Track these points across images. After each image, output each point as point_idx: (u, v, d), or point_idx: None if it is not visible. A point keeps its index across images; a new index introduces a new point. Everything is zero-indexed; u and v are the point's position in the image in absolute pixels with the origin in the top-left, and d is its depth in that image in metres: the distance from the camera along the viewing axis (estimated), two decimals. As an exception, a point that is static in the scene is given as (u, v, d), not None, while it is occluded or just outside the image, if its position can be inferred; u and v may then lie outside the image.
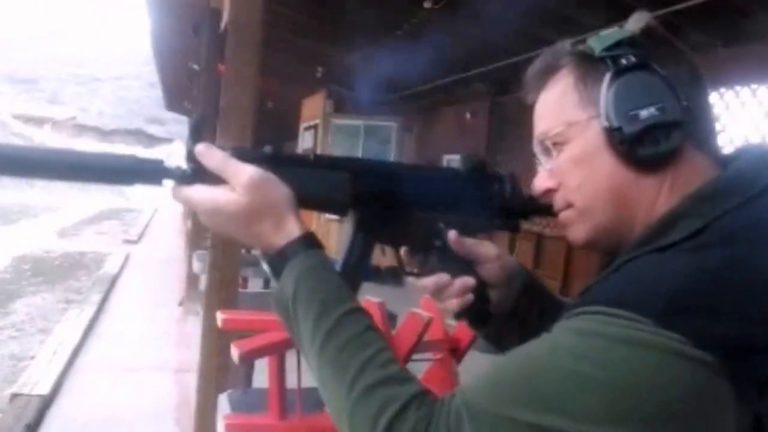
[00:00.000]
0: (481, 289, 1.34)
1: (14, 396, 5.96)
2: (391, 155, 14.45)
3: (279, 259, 1.13)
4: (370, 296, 3.42)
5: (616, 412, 0.84)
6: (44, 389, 6.16)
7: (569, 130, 1.12)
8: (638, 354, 0.85)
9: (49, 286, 12.41)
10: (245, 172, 1.10)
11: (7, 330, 9.18)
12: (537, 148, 1.21)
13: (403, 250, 1.36)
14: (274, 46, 10.84)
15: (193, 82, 15.70)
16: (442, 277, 1.31)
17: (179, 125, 52.64)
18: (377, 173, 1.27)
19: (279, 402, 3.53)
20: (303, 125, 16.91)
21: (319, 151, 14.78)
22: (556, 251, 9.08)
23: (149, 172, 1.11)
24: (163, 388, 6.66)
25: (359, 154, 14.68)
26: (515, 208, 1.39)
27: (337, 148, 14.89)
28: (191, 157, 1.13)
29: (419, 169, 1.36)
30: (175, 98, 24.27)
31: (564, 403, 0.86)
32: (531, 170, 1.23)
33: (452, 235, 1.32)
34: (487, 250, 1.36)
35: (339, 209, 1.26)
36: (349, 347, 1.03)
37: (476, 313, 1.36)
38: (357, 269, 1.25)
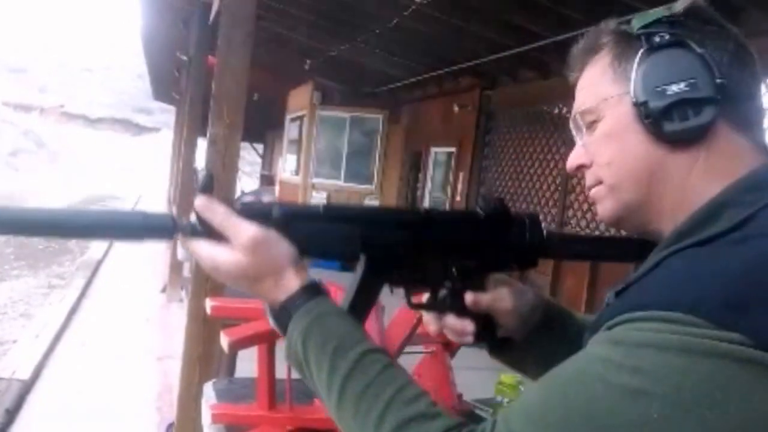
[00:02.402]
0: (489, 324, 1.33)
1: (-6, 380, 5.94)
2: (377, 147, 14.48)
3: (282, 315, 1.13)
4: None
5: (677, 427, 0.79)
6: (25, 374, 6.17)
7: (602, 106, 1.11)
8: (698, 364, 0.79)
9: (32, 270, 12.41)
10: (246, 233, 1.10)
11: (-10, 313, 9.14)
12: (574, 126, 1.19)
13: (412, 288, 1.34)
14: (262, 38, 10.85)
15: (181, 72, 15.69)
16: (445, 323, 1.32)
17: (166, 114, 52.38)
18: (388, 224, 1.24)
19: (268, 392, 3.51)
20: (289, 116, 16.91)
21: (304, 141, 14.88)
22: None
23: (159, 229, 1.12)
24: (145, 375, 6.67)
25: (344, 145, 14.78)
26: (533, 253, 1.34)
27: (322, 138, 14.93)
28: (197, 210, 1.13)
29: (434, 215, 1.31)
30: (163, 88, 24.14)
31: (617, 420, 0.81)
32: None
33: (469, 298, 1.29)
34: (504, 305, 1.33)
35: (350, 259, 1.24)
36: (370, 391, 1.00)
37: (490, 344, 1.35)
38: (363, 310, 1.23)
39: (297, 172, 15.45)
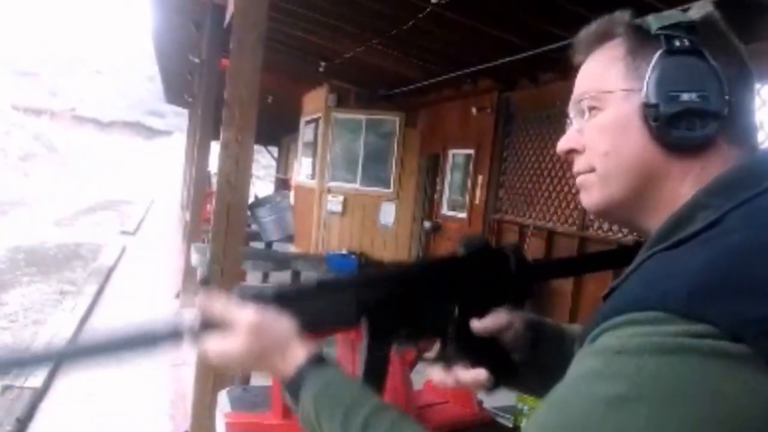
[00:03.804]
0: (504, 355, 1.38)
1: (5, 388, 5.90)
2: (394, 150, 14.40)
3: (293, 387, 1.19)
4: None
5: (661, 427, 0.81)
6: (36, 382, 6.09)
7: (608, 97, 1.12)
8: (671, 363, 0.82)
9: (44, 276, 12.33)
10: (245, 319, 1.17)
11: (1, 321, 9.10)
12: (572, 109, 1.20)
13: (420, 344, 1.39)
14: (276, 40, 10.80)
15: (193, 75, 15.70)
16: (445, 380, 1.37)
17: (178, 118, 52.64)
18: (380, 283, 1.30)
19: (282, 401, 3.46)
20: (304, 119, 16.84)
21: (320, 144, 14.81)
22: (568, 248, 8.94)
23: (167, 338, 1.18)
24: (158, 382, 6.61)
25: (360, 148, 14.69)
26: (527, 279, 1.41)
27: (338, 141, 14.84)
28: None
29: (420, 266, 1.42)
30: (175, 91, 24.27)
31: (610, 430, 0.84)
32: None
33: (475, 325, 1.35)
34: (501, 321, 1.38)
35: (349, 324, 1.30)
36: None
37: (503, 378, 1.37)
38: (378, 376, 1.28)
39: (312, 176, 15.35)
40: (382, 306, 1.28)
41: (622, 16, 1.16)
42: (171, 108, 44.12)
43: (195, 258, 9.47)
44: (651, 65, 1.07)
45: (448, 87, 12.18)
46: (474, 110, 11.46)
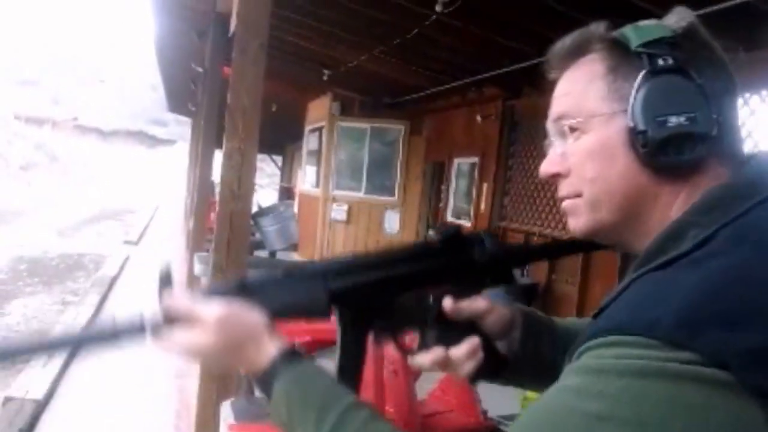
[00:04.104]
0: (487, 344, 1.34)
1: (7, 400, 5.88)
2: (398, 157, 14.42)
3: (266, 380, 1.16)
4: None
5: None
6: (38, 393, 6.08)
7: (591, 121, 1.09)
8: (653, 386, 0.83)
9: (46, 287, 12.39)
10: (211, 314, 1.15)
11: (2, 331, 9.14)
12: (552, 128, 1.18)
13: (400, 335, 1.35)
14: (280, 49, 10.81)
15: (196, 83, 15.74)
16: (437, 352, 1.31)
17: (181, 126, 52.83)
18: (350, 271, 1.28)
19: None
20: (308, 127, 16.89)
21: (324, 152, 14.87)
22: (573, 256, 8.91)
23: (130, 333, 1.17)
24: (162, 393, 6.60)
25: (365, 155, 14.74)
26: (504, 263, 1.39)
27: (342, 149, 14.89)
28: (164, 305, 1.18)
29: (393, 253, 1.35)
30: (178, 100, 24.36)
31: None
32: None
33: (447, 304, 1.31)
34: (480, 305, 1.35)
35: (320, 314, 1.26)
36: None
37: (492, 367, 1.36)
38: (354, 367, 1.27)
39: (317, 185, 15.39)
40: (353, 295, 1.26)
41: (598, 28, 1.14)
42: (173, 117, 44.23)
43: (198, 267, 9.46)
44: (635, 87, 1.04)
45: (453, 95, 12.19)
46: (479, 118, 11.47)
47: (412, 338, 1.36)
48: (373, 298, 1.28)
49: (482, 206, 11.32)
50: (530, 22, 7.83)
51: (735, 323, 0.83)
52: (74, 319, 9.04)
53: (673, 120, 1.00)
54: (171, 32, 13.31)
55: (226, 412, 4.03)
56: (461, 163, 12.62)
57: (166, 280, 1.21)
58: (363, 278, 1.27)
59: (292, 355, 1.16)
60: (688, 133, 1.00)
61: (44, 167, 48.54)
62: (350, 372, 1.26)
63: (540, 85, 10.01)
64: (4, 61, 62.61)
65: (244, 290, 1.20)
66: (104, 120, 65.43)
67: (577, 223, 1.14)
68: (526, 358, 1.35)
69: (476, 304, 1.34)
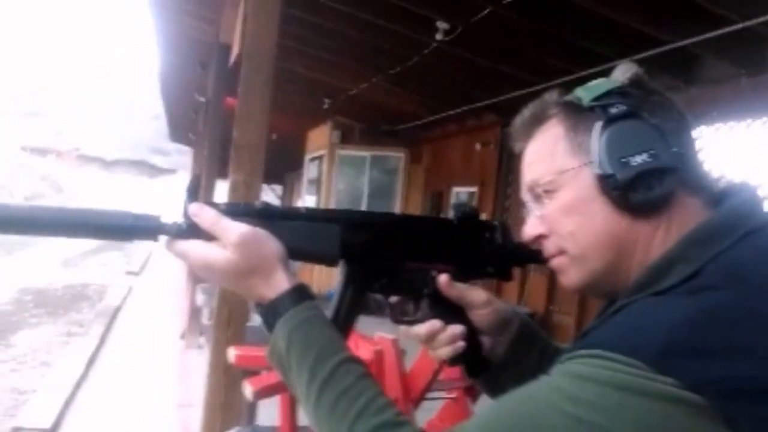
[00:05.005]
0: (473, 336, 1.34)
1: (16, 430, 5.94)
2: (398, 186, 14.47)
3: (271, 313, 1.17)
4: (383, 332, 3.42)
5: None
6: (46, 423, 6.13)
7: (561, 178, 1.14)
8: (632, 400, 0.88)
9: (51, 318, 12.42)
10: (235, 231, 1.15)
11: (9, 363, 9.17)
12: (527, 196, 1.23)
13: (393, 299, 1.35)
14: (280, 78, 10.91)
15: (198, 113, 15.82)
16: (434, 324, 1.31)
17: (183, 156, 52.84)
18: (367, 225, 1.29)
19: None
20: (308, 156, 16.95)
21: (324, 181, 14.92)
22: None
23: (146, 229, 1.17)
24: (165, 423, 6.63)
25: (365, 184, 14.79)
26: (507, 256, 1.39)
27: (342, 178, 14.95)
28: (187, 214, 1.18)
29: (410, 219, 1.38)
30: (180, 129, 24.45)
31: None
32: None
33: (443, 279, 1.32)
34: (478, 295, 1.35)
35: (329, 260, 1.27)
36: (344, 397, 1.07)
37: (471, 361, 1.37)
38: (346, 322, 1.27)
39: (317, 212, 15.32)
40: (363, 250, 1.27)
41: (551, 96, 1.20)
42: (175, 146, 44.32)
43: (201, 298, 9.50)
44: (594, 137, 1.10)
45: (452, 122, 12.28)
46: (478, 146, 11.51)
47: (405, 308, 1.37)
48: (382, 258, 1.30)
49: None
50: (528, 49, 7.95)
51: (712, 356, 0.89)
52: (79, 350, 9.12)
53: (637, 159, 1.06)
54: (174, 63, 13.44)
55: (231, 440, 4.09)
56: (460, 192, 12.67)
57: (193, 192, 1.21)
58: (377, 237, 1.29)
59: (301, 296, 1.17)
60: (654, 168, 1.06)
61: (49, 198, 48.63)
62: (341, 326, 1.25)
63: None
64: (8, 92, 62.89)
65: (267, 216, 1.21)
66: (106, 150, 65.62)
67: (569, 278, 1.19)
68: (510, 364, 1.36)
69: (473, 292, 1.35)
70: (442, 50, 8.13)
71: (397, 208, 14.52)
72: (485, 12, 6.69)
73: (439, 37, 7.63)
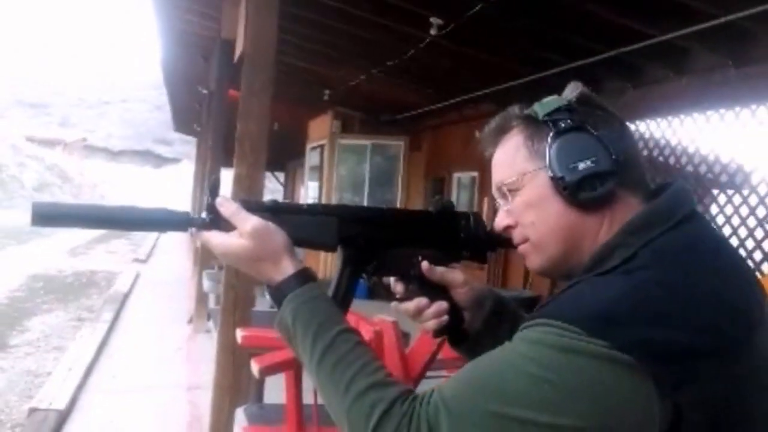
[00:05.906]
0: (455, 311, 1.57)
1: (32, 410, 6.13)
2: (399, 172, 14.63)
3: (278, 293, 1.37)
4: (384, 315, 3.59)
5: (558, 404, 1.06)
6: (61, 404, 6.30)
7: (521, 179, 1.35)
8: (572, 359, 1.06)
9: (62, 304, 12.59)
10: (249, 222, 1.36)
11: (24, 347, 9.32)
12: (496, 194, 1.44)
13: (391, 280, 1.59)
14: (282, 71, 10.99)
15: (202, 105, 15.98)
16: (420, 301, 1.55)
17: (186, 146, 52.84)
18: (361, 218, 1.51)
19: (297, 415, 3.64)
20: (310, 145, 17.02)
21: (326, 169, 15.00)
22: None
23: (179, 222, 1.39)
24: (174, 405, 6.77)
25: (366, 170, 14.91)
26: (481, 242, 1.60)
27: (343, 165, 15.08)
28: (210, 209, 1.38)
29: (396, 213, 1.66)
30: (184, 120, 24.35)
31: (519, 397, 1.08)
32: None
33: (424, 265, 1.54)
34: (456, 276, 1.58)
35: (329, 247, 1.49)
36: (343, 361, 1.25)
37: (453, 332, 1.59)
38: (344, 298, 1.47)
39: (319, 200, 15.38)
40: (358, 239, 1.48)
41: (514, 110, 1.41)
42: (178, 136, 44.26)
43: (206, 284, 9.68)
44: (548, 146, 1.30)
45: (450, 111, 12.32)
46: (477, 133, 11.54)
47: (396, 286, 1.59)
48: (374, 245, 1.50)
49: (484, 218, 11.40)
50: (521, 43, 8.10)
51: (641, 322, 1.07)
52: (91, 335, 9.30)
53: (582, 165, 1.26)
54: (177, 56, 13.43)
55: (239, 417, 4.27)
56: (461, 177, 12.83)
57: (214, 190, 1.39)
58: (369, 227, 1.50)
59: (305, 278, 1.36)
60: (596, 172, 1.26)
61: (57, 188, 48.55)
62: (341, 302, 1.45)
63: (533, 101, 10.22)
64: (14, 85, 62.69)
65: (276, 211, 1.41)
66: (111, 140, 65.49)
67: (532, 262, 1.40)
68: (486, 334, 1.56)
69: (452, 274, 1.57)
70: (436, 44, 8.21)
71: (398, 194, 14.70)
72: (476, 8, 6.79)
73: (433, 32, 7.73)
